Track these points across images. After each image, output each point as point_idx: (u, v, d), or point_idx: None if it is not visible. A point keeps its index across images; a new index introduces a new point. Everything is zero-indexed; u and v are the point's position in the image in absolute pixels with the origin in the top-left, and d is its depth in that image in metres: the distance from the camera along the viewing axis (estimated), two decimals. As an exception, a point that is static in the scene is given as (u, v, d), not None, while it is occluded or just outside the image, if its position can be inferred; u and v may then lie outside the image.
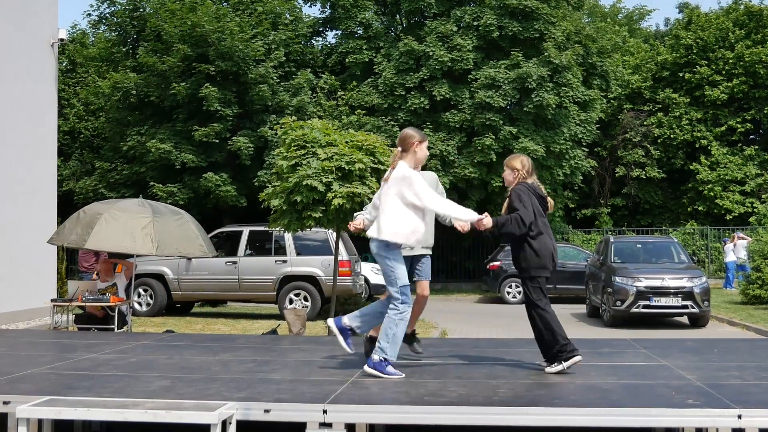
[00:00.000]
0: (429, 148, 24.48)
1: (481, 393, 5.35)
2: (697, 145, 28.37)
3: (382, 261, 5.85)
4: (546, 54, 23.16)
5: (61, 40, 16.33)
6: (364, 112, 23.55)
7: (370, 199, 9.77)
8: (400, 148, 5.95)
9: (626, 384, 5.60)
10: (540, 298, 6.07)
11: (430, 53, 23.39)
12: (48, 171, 15.76)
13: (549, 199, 6.27)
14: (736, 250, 22.34)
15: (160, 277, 16.04)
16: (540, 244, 6.00)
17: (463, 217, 5.81)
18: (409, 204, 5.77)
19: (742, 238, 22.60)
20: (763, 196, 27.67)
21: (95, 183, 24.47)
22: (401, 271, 5.83)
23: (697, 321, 14.60)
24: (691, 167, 28.26)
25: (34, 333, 10.79)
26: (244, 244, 16.04)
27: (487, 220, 5.81)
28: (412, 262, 6.54)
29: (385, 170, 10.16)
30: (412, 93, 23.74)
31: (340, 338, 6.03)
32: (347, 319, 6.06)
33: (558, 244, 22.90)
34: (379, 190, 6.14)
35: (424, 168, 6.60)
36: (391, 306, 5.84)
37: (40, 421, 4.89)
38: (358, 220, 6.32)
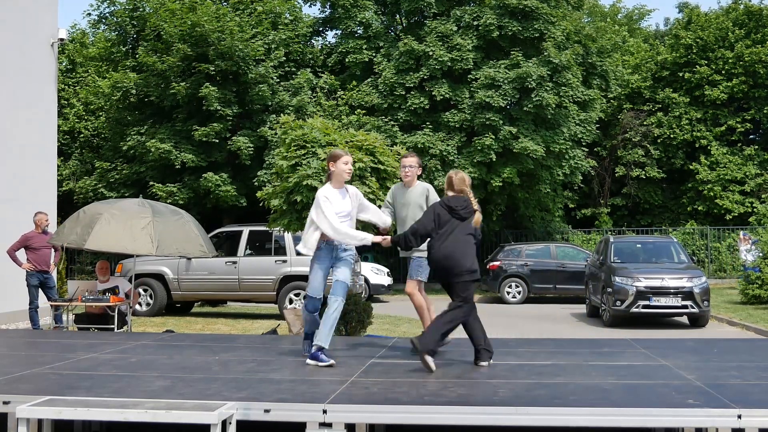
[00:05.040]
0: (429, 148, 24.44)
1: (481, 393, 5.35)
2: (697, 145, 28.37)
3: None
4: (546, 54, 23.17)
5: (61, 39, 16.33)
6: (364, 112, 23.55)
7: (369, 200, 9.80)
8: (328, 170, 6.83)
9: (626, 384, 5.60)
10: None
11: (430, 53, 23.39)
12: (48, 171, 15.76)
13: (467, 208, 6.63)
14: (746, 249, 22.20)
15: (160, 277, 16.05)
16: (429, 253, 6.66)
17: (355, 241, 6.60)
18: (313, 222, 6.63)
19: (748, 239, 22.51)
20: (763, 196, 27.67)
21: (95, 183, 24.47)
22: (312, 276, 6.81)
23: (697, 321, 14.59)
24: (691, 167, 28.27)
25: (34, 333, 10.79)
26: (244, 244, 16.04)
27: (385, 242, 6.70)
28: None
29: (385, 170, 10.19)
30: (412, 93, 23.75)
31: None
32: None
33: (558, 244, 23.12)
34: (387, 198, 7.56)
35: (420, 177, 7.51)
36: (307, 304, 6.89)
37: (40, 421, 4.89)
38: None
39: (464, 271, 6.40)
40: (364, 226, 7.99)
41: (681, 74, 28.78)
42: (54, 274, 12.35)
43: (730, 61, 28.07)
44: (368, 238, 6.59)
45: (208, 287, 16.00)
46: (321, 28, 27.66)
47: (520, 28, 23.71)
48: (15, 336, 9.80)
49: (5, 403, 5.02)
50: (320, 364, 6.35)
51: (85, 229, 9.91)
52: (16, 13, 14.71)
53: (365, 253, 22.20)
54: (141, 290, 15.79)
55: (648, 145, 28.65)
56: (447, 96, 23.44)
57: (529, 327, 14.40)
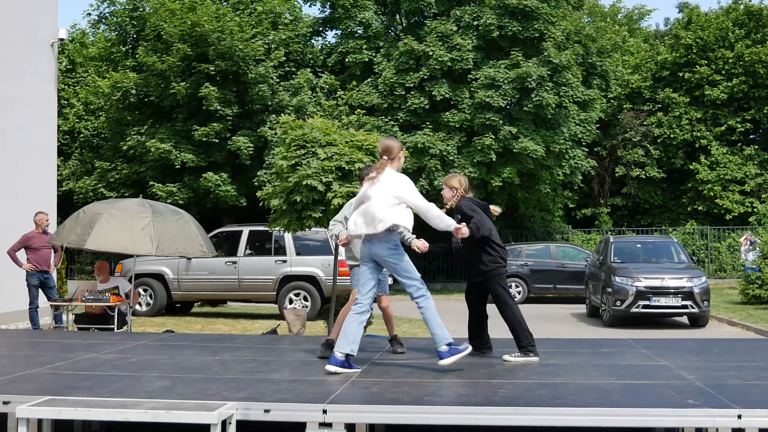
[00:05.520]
0: (429, 148, 24.45)
1: (481, 393, 5.35)
2: (697, 145, 28.36)
3: (395, 259, 6.09)
4: (546, 54, 23.16)
5: (61, 40, 16.34)
6: (363, 112, 23.54)
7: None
8: (385, 157, 6.25)
9: (626, 384, 5.60)
10: (508, 292, 6.89)
11: (430, 53, 23.39)
12: (48, 171, 15.77)
13: (492, 206, 6.97)
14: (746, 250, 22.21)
15: (160, 277, 16.05)
16: (500, 245, 6.78)
17: (444, 224, 6.17)
18: (402, 203, 6.08)
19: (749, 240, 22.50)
20: (763, 196, 27.66)
21: (95, 183, 24.46)
22: (408, 262, 6.14)
23: (697, 321, 14.59)
24: (691, 167, 28.26)
25: (34, 333, 10.80)
26: (244, 244, 16.04)
27: (465, 230, 6.32)
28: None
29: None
30: (412, 93, 23.74)
31: (344, 370, 6.03)
32: (339, 352, 6.05)
33: (558, 244, 23.13)
34: (354, 202, 6.51)
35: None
36: (419, 297, 6.08)
37: (40, 421, 4.89)
38: (343, 235, 6.73)
39: None
40: None
41: (681, 74, 28.77)
42: (54, 274, 12.35)
43: (730, 61, 28.06)
44: (453, 224, 6.24)
45: (208, 287, 16.00)
46: (321, 28, 27.66)
47: (520, 28, 23.71)
48: (15, 336, 9.81)
49: (5, 403, 5.02)
50: (459, 355, 6.05)
51: (84, 229, 9.92)
52: (16, 13, 14.71)
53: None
54: (141, 290, 15.79)
55: (648, 145, 28.64)
56: (447, 96, 23.44)
57: (529, 327, 14.38)
